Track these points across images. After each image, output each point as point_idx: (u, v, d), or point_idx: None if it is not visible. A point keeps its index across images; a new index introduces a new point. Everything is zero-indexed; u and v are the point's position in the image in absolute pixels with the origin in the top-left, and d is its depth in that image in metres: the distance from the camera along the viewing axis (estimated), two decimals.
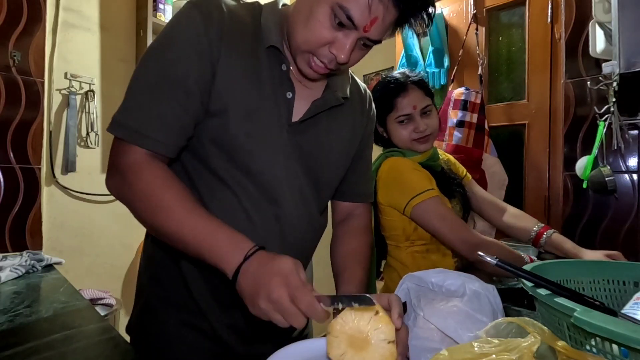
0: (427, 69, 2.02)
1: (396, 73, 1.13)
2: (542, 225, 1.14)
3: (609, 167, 1.34)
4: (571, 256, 1.03)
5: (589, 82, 1.39)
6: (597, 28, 1.30)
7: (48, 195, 1.74)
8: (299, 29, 0.60)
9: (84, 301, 0.90)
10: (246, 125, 0.63)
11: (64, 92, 1.80)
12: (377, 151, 1.06)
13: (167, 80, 0.59)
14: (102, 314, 1.55)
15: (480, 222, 1.56)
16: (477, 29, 1.80)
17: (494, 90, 1.86)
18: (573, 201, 1.47)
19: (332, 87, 0.72)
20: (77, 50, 1.85)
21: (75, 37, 1.85)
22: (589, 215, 1.43)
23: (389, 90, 1.07)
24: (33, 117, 1.47)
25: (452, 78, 1.87)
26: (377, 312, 0.48)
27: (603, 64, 1.20)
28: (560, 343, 0.39)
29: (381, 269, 1.23)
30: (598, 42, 1.31)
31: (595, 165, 1.36)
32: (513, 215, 1.20)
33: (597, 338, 0.40)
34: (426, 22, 0.60)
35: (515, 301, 1.00)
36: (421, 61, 2.05)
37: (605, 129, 1.32)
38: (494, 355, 0.38)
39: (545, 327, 0.41)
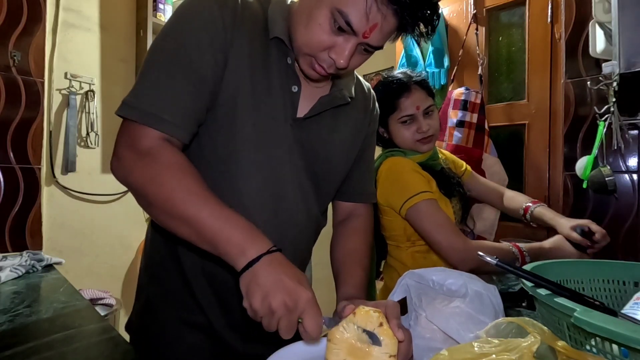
0: (427, 69, 2.02)
1: (398, 73, 1.12)
2: (530, 201, 1.19)
3: (609, 167, 1.34)
4: (549, 225, 1.10)
5: (589, 82, 1.38)
6: (597, 28, 1.30)
7: (48, 195, 1.74)
8: (300, 30, 0.60)
9: (84, 301, 0.90)
10: (253, 115, 0.63)
11: (64, 92, 1.80)
12: (377, 151, 1.06)
13: (180, 64, 0.57)
14: (102, 314, 1.56)
15: (480, 223, 1.56)
16: (477, 29, 1.80)
17: (494, 90, 1.86)
18: (573, 201, 1.47)
19: (339, 85, 0.72)
20: (77, 50, 1.85)
21: (75, 37, 1.85)
22: (589, 215, 1.43)
23: (391, 90, 1.07)
24: (33, 117, 1.47)
25: (452, 78, 1.86)
26: (381, 324, 0.47)
27: (603, 64, 1.20)
28: (560, 343, 0.39)
29: (381, 269, 1.23)
30: (598, 42, 1.31)
31: (595, 165, 1.35)
32: (508, 197, 1.27)
33: (597, 338, 0.40)
34: (428, 31, 0.59)
35: (515, 302, 1.00)
36: (421, 61, 2.04)
37: (605, 129, 1.32)
38: (494, 355, 0.38)
39: (545, 327, 0.41)
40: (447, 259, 0.99)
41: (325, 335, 0.50)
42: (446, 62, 1.95)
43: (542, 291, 0.48)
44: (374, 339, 0.47)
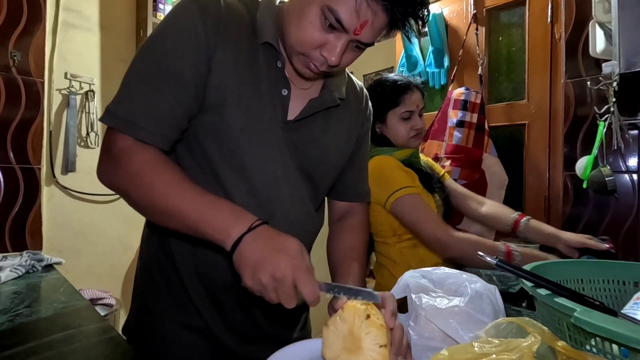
0: (427, 69, 2.02)
1: (398, 75, 1.20)
2: (519, 213, 1.19)
3: (609, 167, 1.34)
4: (552, 238, 1.07)
5: (589, 82, 1.39)
6: (597, 28, 1.30)
7: (48, 195, 1.74)
8: (291, 29, 0.60)
9: (84, 301, 0.90)
10: (241, 120, 0.63)
11: (64, 92, 1.80)
12: None
13: (161, 71, 0.58)
14: (102, 314, 1.56)
15: (477, 226, 1.55)
16: (477, 29, 1.80)
17: (494, 90, 1.86)
18: (573, 201, 1.47)
19: (329, 87, 0.72)
20: (77, 50, 1.85)
21: (75, 37, 1.85)
22: (589, 215, 1.43)
23: (397, 87, 1.16)
24: (33, 117, 1.47)
25: (452, 78, 1.87)
26: (368, 316, 0.47)
27: (603, 64, 1.20)
28: (560, 343, 0.39)
29: (370, 266, 1.26)
30: (598, 42, 1.31)
31: (595, 165, 1.35)
32: (492, 206, 1.27)
33: (597, 338, 0.40)
34: (419, 26, 0.59)
35: (515, 301, 1.00)
36: (421, 61, 2.04)
37: (605, 129, 1.32)
38: (494, 355, 0.38)
39: (545, 327, 0.41)
40: (430, 248, 1.07)
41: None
42: (446, 62, 1.95)
43: (542, 291, 0.48)
44: (363, 331, 0.47)
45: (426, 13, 0.58)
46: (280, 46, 0.66)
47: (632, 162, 1.34)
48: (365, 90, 0.86)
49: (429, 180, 1.19)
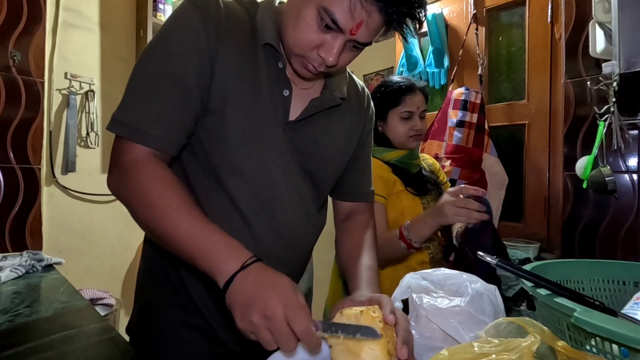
0: (427, 69, 2.02)
1: (404, 78, 1.21)
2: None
3: (609, 167, 1.34)
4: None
5: (589, 82, 1.39)
6: (597, 28, 1.30)
7: (48, 195, 1.74)
8: (289, 30, 0.60)
9: (84, 301, 0.90)
10: (243, 122, 0.63)
11: (64, 92, 1.80)
12: None
13: (166, 77, 0.58)
14: (102, 314, 1.56)
15: None
16: (477, 29, 1.80)
17: (494, 90, 1.86)
18: (573, 201, 1.47)
19: (330, 87, 0.72)
20: (77, 50, 1.85)
21: (75, 37, 1.85)
22: (589, 215, 1.43)
23: (400, 87, 1.18)
24: (33, 117, 1.47)
25: (452, 78, 1.87)
26: (361, 312, 0.49)
27: (603, 64, 1.20)
28: (560, 343, 0.39)
29: None
30: (598, 42, 1.31)
31: (595, 165, 1.36)
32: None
33: (597, 338, 0.40)
34: (415, 26, 0.59)
35: (515, 302, 1.00)
36: (421, 61, 2.05)
37: (605, 129, 1.32)
38: (494, 355, 0.38)
39: (545, 327, 0.41)
40: None
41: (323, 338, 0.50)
42: (446, 62, 1.95)
43: (542, 291, 0.48)
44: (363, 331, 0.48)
45: (423, 13, 0.58)
46: (280, 47, 0.66)
47: (632, 162, 1.34)
48: (367, 90, 0.86)
49: (422, 183, 1.19)
